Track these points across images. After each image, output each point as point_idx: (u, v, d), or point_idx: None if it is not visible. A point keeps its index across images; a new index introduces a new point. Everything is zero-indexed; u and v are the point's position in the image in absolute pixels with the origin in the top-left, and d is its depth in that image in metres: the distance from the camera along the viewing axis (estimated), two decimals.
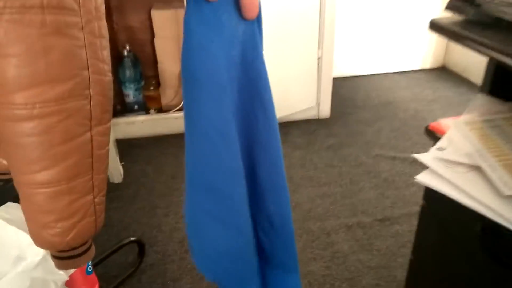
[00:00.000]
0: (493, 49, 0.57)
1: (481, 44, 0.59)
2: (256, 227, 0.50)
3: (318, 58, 2.04)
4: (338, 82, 2.57)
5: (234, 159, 0.41)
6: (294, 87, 2.02)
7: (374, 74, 2.71)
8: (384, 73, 2.72)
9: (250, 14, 0.35)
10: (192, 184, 0.42)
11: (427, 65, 2.74)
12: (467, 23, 0.65)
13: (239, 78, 0.40)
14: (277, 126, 0.45)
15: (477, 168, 0.61)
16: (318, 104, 2.16)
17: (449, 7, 0.68)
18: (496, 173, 0.58)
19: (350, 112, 2.25)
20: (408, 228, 1.41)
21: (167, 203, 1.59)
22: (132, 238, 1.29)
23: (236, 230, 0.43)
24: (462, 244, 0.73)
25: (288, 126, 2.11)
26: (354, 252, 1.33)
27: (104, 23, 0.65)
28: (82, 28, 0.60)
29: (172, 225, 1.48)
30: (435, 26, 0.69)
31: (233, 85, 0.40)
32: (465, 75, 2.54)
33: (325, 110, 2.19)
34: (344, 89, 2.53)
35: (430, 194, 0.82)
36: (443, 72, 2.71)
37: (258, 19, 0.38)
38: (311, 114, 2.19)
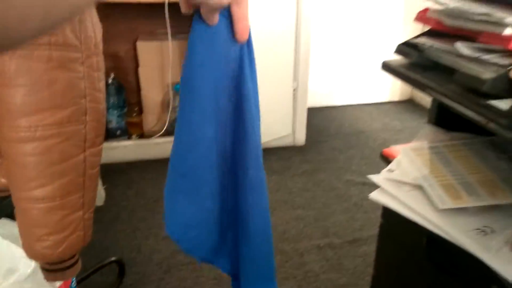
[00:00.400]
0: (430, 88, 0.69)
1: (421, 84, 0.71)
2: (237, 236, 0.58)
3: (294, 89, 2.18)
4: (313, 112, 2.71)
5: (208, 154, 0.50)
6: (271, 115, 2.14)
7: (346, 105, 2.87)
8: (356, 104, 2.88)
9: (242, 38, 0.45)
10: (172, 167, 0.53)
11: (396, 97, 2.93)
12: (412, 65, 0.77)
13: (228, 89, 0.49)
14: (255, 138, 0.54)
15: (419, 187, 0.71)
16: (293, 132, 2.28)
17: (397, 51, 0.80)
18: (434, 191, 0.68)
19: (324, 140, 2.37)
20: (375, 249, 1.50)
21: (147, 226, 1.64)
22: (112, 258, 1.33)
23: (200, 206, 0.53)
24: (413, 257, 0.83)
25: (265, 152, 2.20)
26: (325, 271, 1.41)
27: (101, 58, 0.75)
28: (83, 63, 0.70)
29: (151, 247, 1.53)
30: (385, 66, 0.81)
31: (221, 94, 0.49)
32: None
33: (301, 138, 2.31)
34: (318, 118, 2.67)
35: (387, 213, 0.93)
36: (410, 104, 2.89)
37: (248, 43, 0.48)
38: (287, 142, 2.30)
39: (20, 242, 0.77)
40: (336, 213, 1.72)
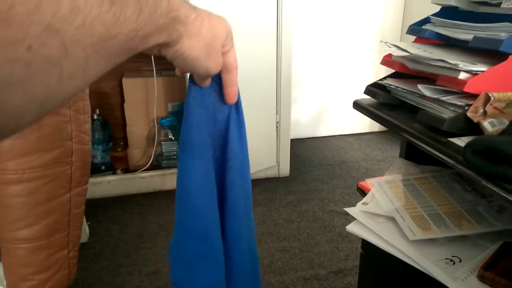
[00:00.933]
0: (395, 126, 0.74)
1: (387, 121, 0.76)
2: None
3: (277, 123, 2.24)
4: (297, 143, 2.77)
5: (215, 211, 0.52)
6: (256, 148, 2.19)
7: (328, 136, 2.95)
8: (338, 135, 2.96)
9: (230, 101, 0.49)
10: (183, 231, 0.54)
11: (376, 128, 3.02)
12: (380, 105, 0.83)
13: (214, 147, 0.52)
14: (245, 186, 0.57)
15: (392, 219, 0.75)
16: (278, 163, 2.33)
17: (366, 92, 0.86)
18: (405, 223, 0.72)
19: (308, 171, 2.42)
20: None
21: (131, 262, 1.63)
22: None
23: (217, 265, 0.54)
24: (391, 284, 0.86)
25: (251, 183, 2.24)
26: None
27: (87, 102, 0.79)
28: (70, 107, 0.73)
29: (136, 284, 1.52)
30: (356, 105, 0.86)
31: (212, 149, 0.52)
32: None
33: (285, 169, 2.35)
34: (302, 149, 2.72)
35: (365, 244, 0.96)
36: (390, 134, 2.98)
37: (237, 104, 0.52)
38: (271, 173, 2.34)
39: (4, 282, 0.77)
40: (321, 244, 1.75)
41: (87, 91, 0.78)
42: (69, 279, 0.80)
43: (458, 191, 0.79)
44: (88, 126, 0.78)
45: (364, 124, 2.99)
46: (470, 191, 0.79)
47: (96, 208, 2.00)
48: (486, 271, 0.59)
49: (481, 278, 0.59)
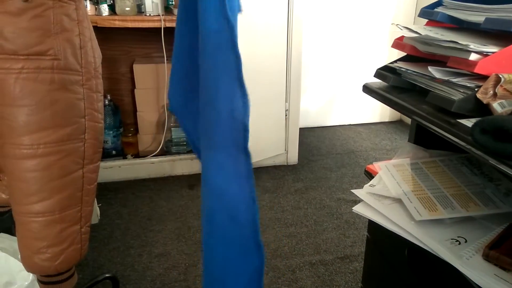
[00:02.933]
0: (405, 108, 0.74)
1: (397, 104, 0.76)
2: None
3: (286, 110, 2.24)
4: (305, 132, 2.77)
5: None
6: (265, 135, 2.20)
7: (337, 125, 2.94)
8: (347, 125, 2.95)
9: None
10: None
11: (386, 118, 3.00)
12: (390, 88, 0.83)
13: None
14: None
15: (399, 200, 0.76)
16: (286, 151, 2.33)
17: (376, 75, 0.86)
18: (412, 204, 0.73)
19: (316, 159, 2.42)
20: None
21: (141, 244, 1.66)
22: (106, 275, 1.35)
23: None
24: (397, 268, 0.86)
25: (259, 171, 2.25)
26: (316, 287, 1.44)
27: (100, 81, 0.80)
28: (83, 85, 0.75)
29: (145, 264, 1.55)
30: (366, 89, 0.87)
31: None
32: None
33: (293, 157, 2.35)
34: (310, 138, 2.72)
35: (372, 227, 0.97)
36: (400, 124, 2.97)
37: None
38: (280, 160, 2.35)
39: (19, 256, 0.80)
40: (328, 230, 1.76)
41: (100, 70, 0.79)
42: (81, 254, 0.83)
43: (466, 175, 0.80)
44: (100, 104, 0.79)
45: (374, 114, 2.98)
46: (478, 175, 0.79)
47: (107, 192, 2.04)
48: (491, 250, 0.59)
49: (486, 257, 0.59)
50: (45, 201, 0.75)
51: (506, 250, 0.59)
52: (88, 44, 0.75)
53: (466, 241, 0.66)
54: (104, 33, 2.08)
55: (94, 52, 0.77)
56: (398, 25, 0.79)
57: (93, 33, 0.79)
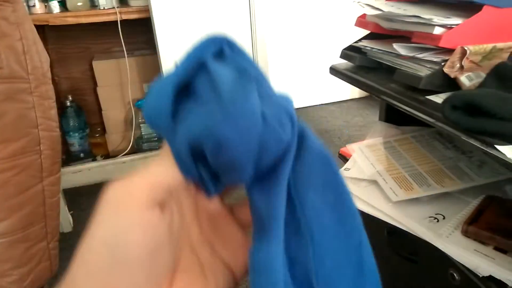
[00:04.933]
0: (373, 88, 0.72)
1: (365, 84, 0.74)
2: None
3: None
4: None
5: None
6: None
7: (309, 106, 2.93)
8: (318, 105, 2.95)
9: None
10: None
11: (356, 95, 3.01)
12: (357, 68, 0.81)
13: None
14: None
15: (375, 182, 0.75)
16: None
17: (342, 56, 0.84)
18: (387, 184, 0.72)
19: None
20: None
21: None
22: None
23: None
24: (377, 248, 0.86)
25: None
26: None
27: (50, 87, 0.74)
28: (31, 92, 0.69)
29: None
30: (333, 70, 0.84)
31: None
32: None
33: None
34: None
35: None
36: (370, 99, 2.98)
37: None
38: None
39: None
40: None
41: (49, 74, 0.74)
42: (52, 270, 0.78)
43: (439, 149, 0.79)
44: (54, 112, 0.74)
45: (344, 91, 2.98)
46: (451, 148, 0.79)
47: (79, 197, 1.96)
48: (470, 225, 0.59)
49: (465, 233, 0.59)
50: (4, 221, 0.69)
51: (484, 224, 0.58)
52: (32, 48, 0.69)
53: (444, 218, 0.66)
54: (57, 31, 1.98)
55: (40, 56, 0.71)
56: (359, 3, 0.77)
57: (37, 36, 0.72)
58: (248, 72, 0.24)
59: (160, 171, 0.23)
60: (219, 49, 0.25)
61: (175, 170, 0.23)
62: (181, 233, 0.26)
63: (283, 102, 0.24)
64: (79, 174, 2.04)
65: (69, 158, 2.10)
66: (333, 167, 0.25)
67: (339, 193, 0.25)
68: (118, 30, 1.82)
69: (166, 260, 0.23)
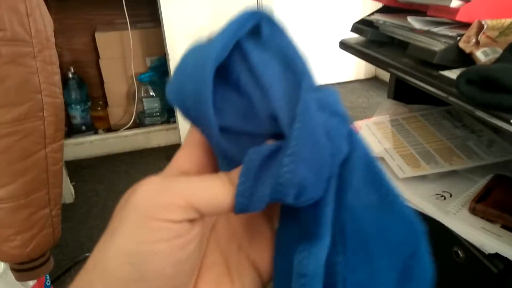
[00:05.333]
0: (385, 63, 0.71)
1: (376, 59, 0.73)
2: None
3: None
4: None
5: None
6: None
7: None
8: (323, 85, 2.92)
9: None
10: None
11: (361, 75, 2.98)
12: (368, 42, 0.79)
13: None
14: None
15: (381, 159, 0.74)
16: None
17: (353, 29, 0.82)
18: (394, 162, 0.71)
19: None
20: None
21: None
22: (87, 254, 1.32)
23: None
24: None
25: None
26: None
27: (54, 52, 0.73)
28: (35, 57, 0.67)
29: None
30: (343, 44, 0.82)
31: None
32: None
33: None
34: None
35: None
36: (375, 81, 2.95)
37: None
38: None
39: None
40: None
41: (53, 39, 0.72)
42: (55, 238, 0.78)
43: (448, 128, 0.78)
44: (57, 77, 0.72)
45: (349, 72, 2.95)
46: (460, 127, 0.78)
47: (80, 169, 1.96)
48: (478, 203, 0.58)
49: (473, 210, 0.59)
50: (7, 186, 0.69)
51: (492, 203, 0.58)
52: (36, 10, 0.67)
53: (451, 196, 0.65)
54: (60, 1, 1.94)
55: (44, 20, 0.69)
56: None
57: None
58: (297, 68, 0.21)
59: (204, 189, 0.20)
60: (256, 25, 0.22)
61: (222, 191, 0.20)
62: (209, 233, 0.24)
63: (332, 99, 0.22)
64: (80, 147, 2.04)
65: (71, 130, 2.09)
66: (376, 166, 0.22)
67: (383, 194, 0.22)
68: (122, 1, 1.78)
69: (193, 266, 0.21)
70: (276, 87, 0.20)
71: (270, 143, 0.21)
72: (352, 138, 0.22)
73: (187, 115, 0.21)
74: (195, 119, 0.21)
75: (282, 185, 0.19)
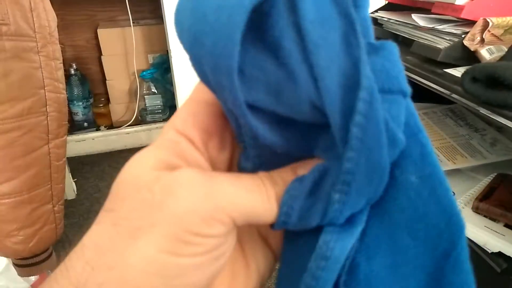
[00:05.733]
0: None
1: None
2: None
3: None
4: None
5: None
6: None
7: None
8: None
9: None
10: None
11: None
12: None
13: None
14: None
15: None
16: None
17: None
18: None
19: None
20: None
21: None
22: None
23: None
24: None
25: None
26: None
27: (58, 47, 0.73)
28: (38, 52, 0.67)
29: None
30: None
31: None
32: None
33: None
34: None
35: None
36: None
37: None
38: None
39: None
40: None
41: (56, 34, 0.72)
42: (57, 233, 0.78)
43: (451, 126, 0.78)
44: (60, 73, 0.72)
45: None
46: (463, 126, 0.78)
47: (82, 165, 1.97)
48: (481, 202, 0.58)
49: (476, 209, 0.59)
50: (10, 182, 0.69)
51: (496, 201, 0.58)
52: (39, 5, 0.67)
53: (454, 194, 0.65)
54: None
55: (48, 15, 0.69)
56: None
57: None
58: (355, 33, 0.15)
59: (248, 202, 0.17)
60: None
61: (265, 209, 0.17)
62: None
63: (392, 66, 0.16)
64: (82, 143, 2.04)
65: (73, 127, 2.09)
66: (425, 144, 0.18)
67: (426, 171, 0.17)
68: None
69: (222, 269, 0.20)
70: (332, 67, 0.14)
71: (315, 164, 0.17)
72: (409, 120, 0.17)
73: (202, 75, 0.16)
74: (212, 85, 0.16)
75: (330, 220, 0.17)
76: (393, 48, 0.17)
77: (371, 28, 0.17)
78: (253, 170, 0.19)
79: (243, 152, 0.19)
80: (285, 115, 0.17)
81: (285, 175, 0.18)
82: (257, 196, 0.17)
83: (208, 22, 0.14)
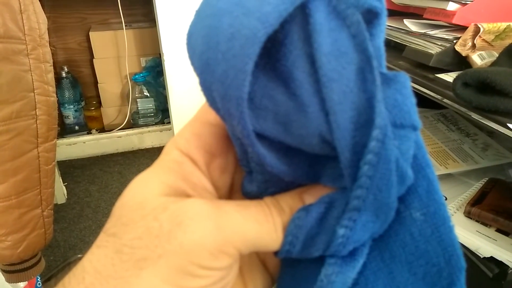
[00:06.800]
0: None
1: None
2: None
3: None
4: None
5: None
6: None
7: None
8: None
9: None
10: None
11: None
12: None
13: None
14: None
15: None
16: None
17: None
18: None
19: None
20: None
21: None
22: (79, 255, 1.30)
23: None
24: None
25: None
26: None
27: (48, 50, 0.72)
28: (28, 54, 0.67)
29: None
30: None
31: None
32: None
33: None
34: None
35: None
36: None
37: None
38: None
39: None
40: None
41: (46, 37, 0.71)
42: (46, 239, 0.77)
43: (443, 131, 0.78)
44: (51, 76, 0.71)
45: None
46: (455, 131, 0.78)
47: (73, 169, 1.95)
48: (473, 207, 0.58)
49: (468, 214, 0.59)
50: None
51: (487, 206, 0.58)
52: (29, 7, 0.66)
53: (446, 199, 0.65)
54: (53, 0, 1.92)
55: (38, 17, 0.68)
56: None
57: None
58: (371, 66, 0.14)
59: (256, 234, 0.17)
60: None
61: (271, 238, 0.17)
62: None
63: (404, 101, 0.16)
64: (73, 147, 2.02)
65: (64, 130, 2.07)
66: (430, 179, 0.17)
67: (429, 210, 0.17)
68: (117, 1, 1.77)
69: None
70: (345, 102, 0.14)
71: (321, 190, 0.17)
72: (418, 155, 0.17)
73: (211, 101, 0.16)
74: (221, 111, 0.16)
75: (333, 252, 0.17)
76: (406, 80, 0.17)
77: (384, 57, 0.16)
78: (258, 194, 0.19)
79: (247, 176, 0.19)
80: (293, 145, 0.16)
81: (292, 203, 0.18)
82: (265, 227, 0.17)
83: (220, 50, 0.14)
